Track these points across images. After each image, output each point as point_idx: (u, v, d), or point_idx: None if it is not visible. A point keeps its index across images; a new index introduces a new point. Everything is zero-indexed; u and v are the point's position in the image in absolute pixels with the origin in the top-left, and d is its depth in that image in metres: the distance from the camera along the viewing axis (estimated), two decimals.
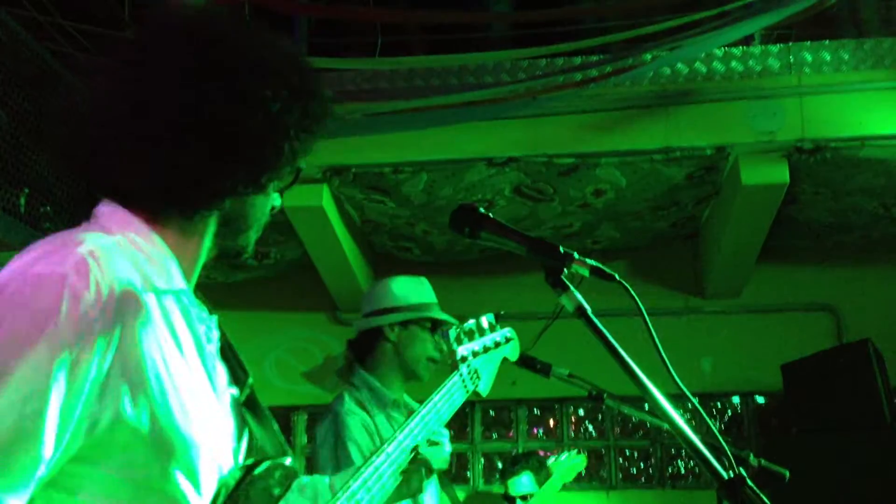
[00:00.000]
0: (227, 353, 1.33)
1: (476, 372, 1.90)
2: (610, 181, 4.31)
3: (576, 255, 1.34)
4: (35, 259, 1.06)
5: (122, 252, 1.13)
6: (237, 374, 1.35)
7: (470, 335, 1.90)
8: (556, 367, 2.52)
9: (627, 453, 5.42)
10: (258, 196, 1.26)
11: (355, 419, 2.45)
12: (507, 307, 4.68)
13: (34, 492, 1.03)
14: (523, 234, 1.41)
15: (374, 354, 2.62)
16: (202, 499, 1.18)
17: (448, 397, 1.80)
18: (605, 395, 2.52)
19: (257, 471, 1.27)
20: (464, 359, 1.85)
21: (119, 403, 1.07)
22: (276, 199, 1.32)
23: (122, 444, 1.08)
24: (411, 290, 2.71)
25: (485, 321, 1.94)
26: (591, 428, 5.47)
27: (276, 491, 1.30)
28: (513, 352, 2.03)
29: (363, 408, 2.51)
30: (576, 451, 4.18)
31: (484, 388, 1.92)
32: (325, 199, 4.38)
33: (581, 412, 5.48)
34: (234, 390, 1.33)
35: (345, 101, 3.78)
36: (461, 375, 1.84)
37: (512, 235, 1.42)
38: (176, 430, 1.12)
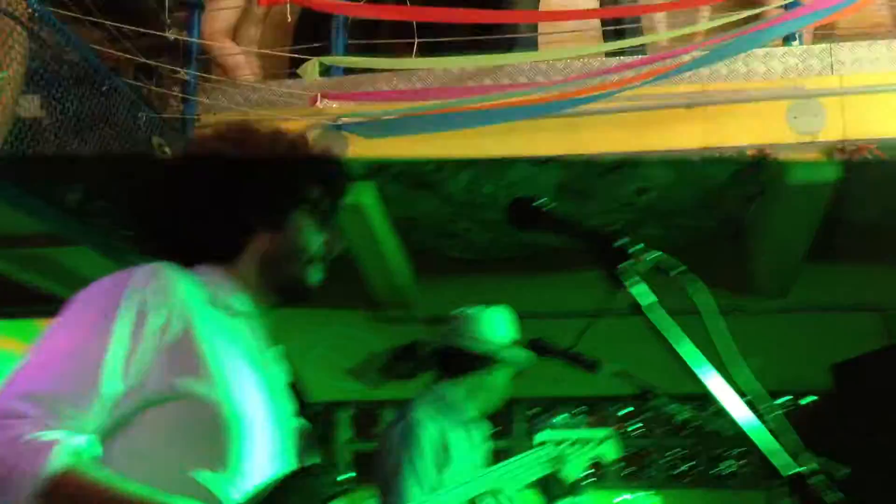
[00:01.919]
0: (289, 384, 1.55)
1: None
2: (652, 179, 4.28)
3: (637, 247, 1.34)
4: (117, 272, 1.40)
5: (186, 275, 1.42)
6: (295, 406, 1.54)
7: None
8: (604, 364, 2.53)
9: (673, 452, 5.38)
10: (304, 229, 1.54)
11: (430, 427, 2.49)
12: (547, 305, 4.70)
13: (98, 426, 1.27)
14: (581, 224, 1.40)
15: (465, 376, 2.65)
16: (244, 473, 1.35)
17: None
18: (652, 393, 2.51)
19: (305, 474, 1.44)
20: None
21: (178, 376, 1.32)
22: (316, 237, 1.55)
23: (182, 407, 1.32)
24: (510, 329, 2.77)
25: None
26: (636, 426, 5.43)
27: (323, 494, 1.45)
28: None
29: (439, 417, 2.54)
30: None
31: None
32: (368, 197, 4.39)
33: (626, 411, 5.44)
34: (292, 414, 1.52)
35: (384, 100, 3.80)
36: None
37: (569, 227, 1.42)
38: (232, 413, 1.35)
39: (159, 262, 1.42)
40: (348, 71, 4.29)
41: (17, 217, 3.15)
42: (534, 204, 1.45)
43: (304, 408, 1.56)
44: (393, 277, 5.06)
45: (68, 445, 1.21)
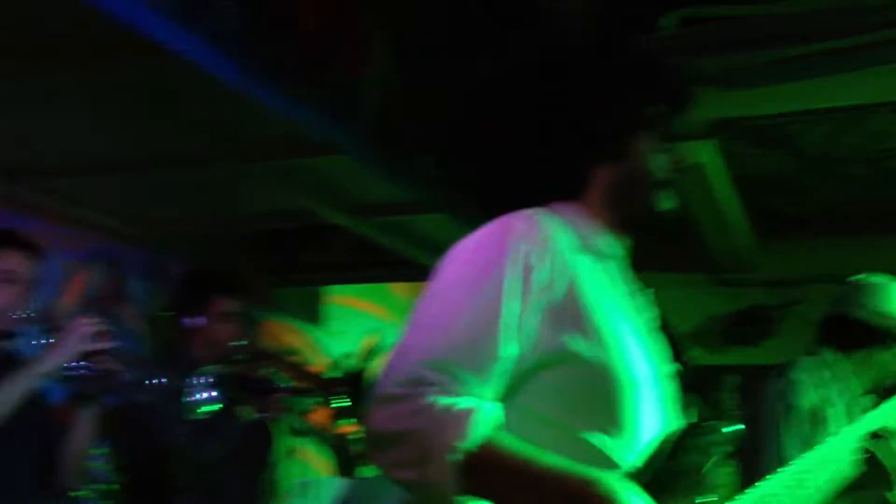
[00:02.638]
0: (662, 329, 1.48)
1: None
2: None
3: None
4: (496, 220, 1.33)
5: (559, 221, 1.34)
6: (671, 350, 1.46)
7: None
8: None
9: None
10: (652, 153, 1.42)
11: (810, 392, 2.39)
12: None
13: (496, 392, 1.23)
14: None
15: (855, 350, 2.50)
16: (638, 434, 1.30)
17: None
18: None
19: (694, 431, 1.34)
20: None
21: (565, 335, 1.26)
22: (661, 160, 1.43)
23: (571, 369, 1.27)
24: None
25: None
26: None
27: (713, 452, 1.35)
28: None
29: (821, 385, 2.43)
30: None
31: None
32: (709, 156, 4.24)
33: None
34: (670, 365, 1.44)
35: (741, 49, 3.62)
36: None
37: None
38: (622, 369, 1.29)
39: (532, 209, 1.34)
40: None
41: (385, 186, 3.40)
42: None
43: (678, 353, 1.49)
44: (734, 239, 4.86)
45: (485, 414, 1.15)
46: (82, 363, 2.45)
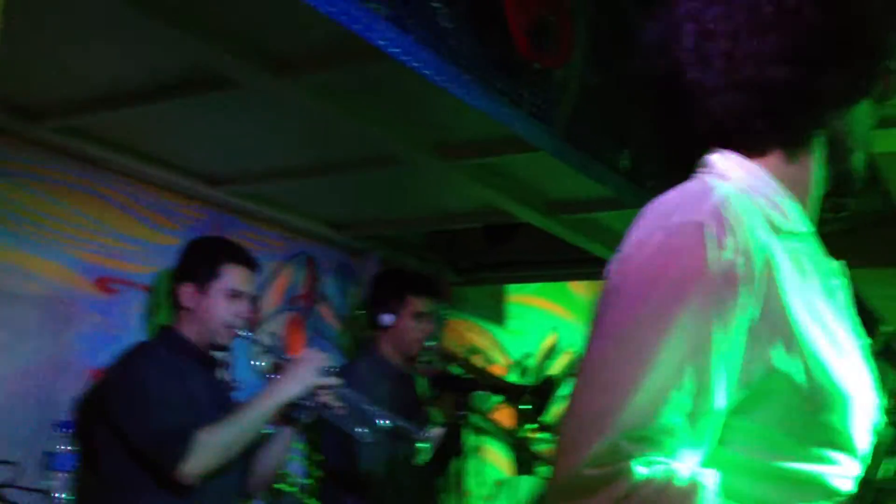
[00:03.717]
0: (856, 302, 1.24)
1: None
2: None
3: None
4: (670, 211, 1.07)
5: (745, 198, 1.09)
6: (867, 323, 1.26)
7: None
8: None
9: None
10: (858, 106, 1.16)
11: None
12: None
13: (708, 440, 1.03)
14: None
15: None
16: (856, 454, 1.12)
17: None
18: None
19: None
20: None
21: (770, 353, 1.03)
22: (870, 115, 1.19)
23: (776, 395, 1.04)
24: None
25: None
26: None
27: None
28: None
29: None
30: None
31: None
32: None
33: None
34: (866, 340, 1.22)
35: None
36: None
37: None
38: (829, 382, 1.07)
39: (710, 182, 1.10)
40: None
41: (580, 181, 3.35)
42: None
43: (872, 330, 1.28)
44: None
45: (706, 484, 0.98)
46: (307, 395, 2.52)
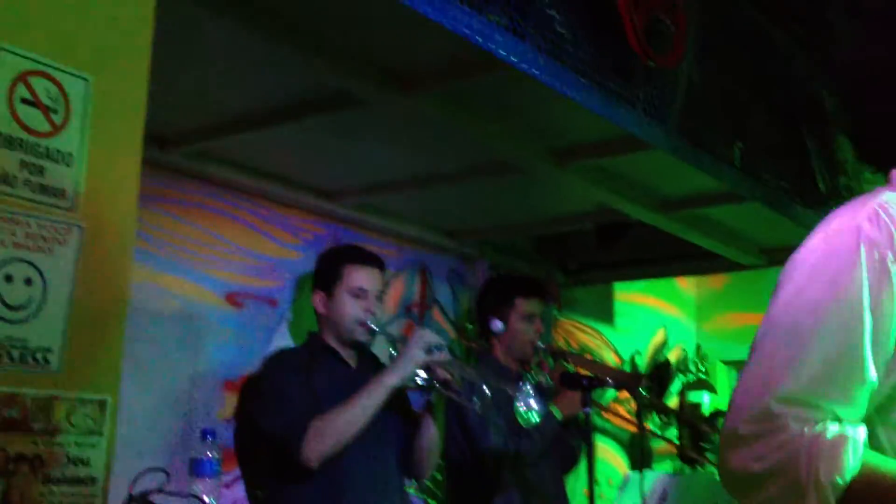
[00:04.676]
0: None
1: None
2: None
3: None
4: (836, 216, 1.22)
5: None
6: None
7: None
8: None
9: None
10: None
11: None
12: None
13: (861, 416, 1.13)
14: None
15: None
16: None
17: None
18: None
19: None
20: None
21: None
22: None
23: None
24: None
25: None
26: None
27: None
28: None
29: None
30: None
31: None
32: None
33: None
34: None
35: None
36: None
37: None
38: None
39: (882, 197, 1.20)
40: None
41: (693, 177, 3.35)
42: None
43: None
44: None
45: (856, 439, 1.09)
46: (423, 373, 2.59)
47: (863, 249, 1.14)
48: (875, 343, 1.12)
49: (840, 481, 1.07)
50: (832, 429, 1.09)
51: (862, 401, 1.12)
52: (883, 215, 1.16)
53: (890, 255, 1.13)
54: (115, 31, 1.80)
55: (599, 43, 2.66)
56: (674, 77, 3.06)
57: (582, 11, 2.59)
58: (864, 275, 1.13)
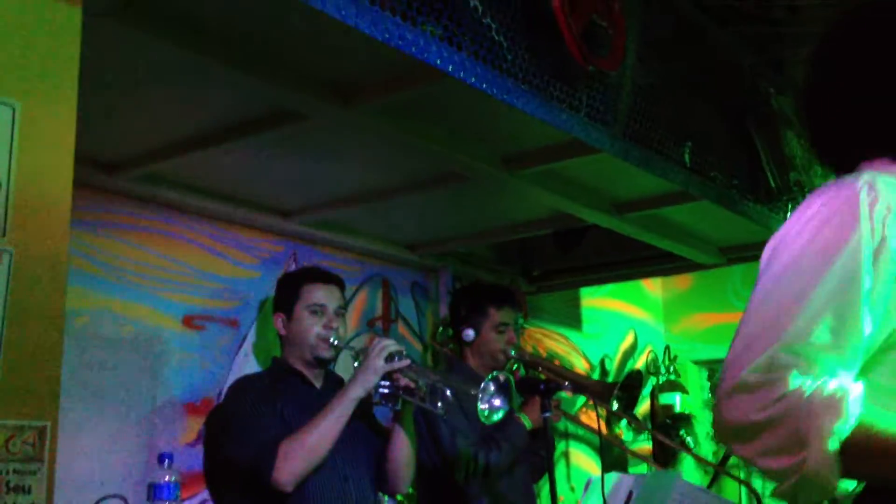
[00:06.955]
0: None
1: None
2: None
3: None
4: (825, 190, 1.27)
5: (888, 181, 1.25)
6: None
7: None
8: None
9: None
10: None
11: None
12: None
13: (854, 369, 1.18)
14: None
15: None
16: None
17: None
18: None
19: None
20: None
21: None
22: None
23: None
24: None
25: None
26: None
27: None
28: None
29: None
30: None
31: None
32: None
33: None
34: None
35: None
36: None
37: None
38: None
39: (860, 174, 1.26)
40: None
41: (646, 178, 3.37)
42: None
43: None
44: None
45: (856, 393, 1.12)
46: (386, 382, 2.58)
47: (861, 209, 1.20)
48: (874, 294, 1.17)
49: (839, 434, 1.10)
50: (833, 383, 1.12)
51: (857, 355, 1.17)
52: (877, 184, 1.23)
53: (886, 220, 1.19)
54: (41, 57, 1.80)
55: (538, 49, 2.68)
56: (617, 80, 3.09)
57: (519, 18, 2.61)
58: (862, 232, 1.19)
